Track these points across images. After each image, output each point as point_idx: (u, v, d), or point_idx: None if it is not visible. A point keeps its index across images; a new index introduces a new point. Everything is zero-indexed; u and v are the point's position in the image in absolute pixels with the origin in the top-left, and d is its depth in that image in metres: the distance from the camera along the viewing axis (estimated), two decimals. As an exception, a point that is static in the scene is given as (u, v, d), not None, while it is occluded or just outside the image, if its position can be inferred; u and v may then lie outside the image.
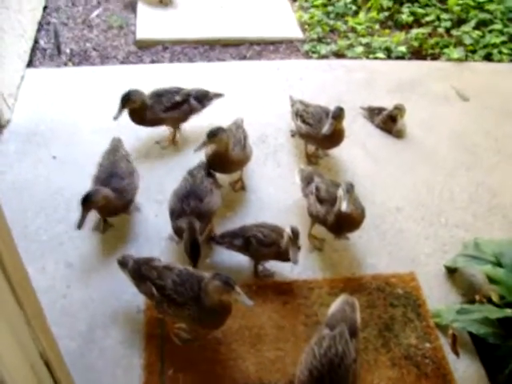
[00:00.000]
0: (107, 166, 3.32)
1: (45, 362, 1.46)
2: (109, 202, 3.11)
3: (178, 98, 3.80)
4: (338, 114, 3.47)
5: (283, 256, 2.98)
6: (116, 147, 3.48)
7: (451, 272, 3.27)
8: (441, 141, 4.15)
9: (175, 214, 3.08)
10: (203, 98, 3.89)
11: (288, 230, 2.90)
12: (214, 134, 3.24)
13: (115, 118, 3.54)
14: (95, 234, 3.32)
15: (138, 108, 3.66)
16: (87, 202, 3.01)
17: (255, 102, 4.31)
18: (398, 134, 4.13)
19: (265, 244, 3.02)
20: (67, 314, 2.93)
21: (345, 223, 3.10)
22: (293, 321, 2.97)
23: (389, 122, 4.11)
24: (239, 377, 2.75)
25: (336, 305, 2.74)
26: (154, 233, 3.35)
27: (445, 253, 3.36)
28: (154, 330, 2.88)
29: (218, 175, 3.47)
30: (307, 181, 3.37)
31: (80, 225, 3.02)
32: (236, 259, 3.22)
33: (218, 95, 3.97)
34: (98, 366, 2.76)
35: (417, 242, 3.43)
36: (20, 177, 3.61)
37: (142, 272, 2.77)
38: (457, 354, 2.91)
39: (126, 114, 3.65)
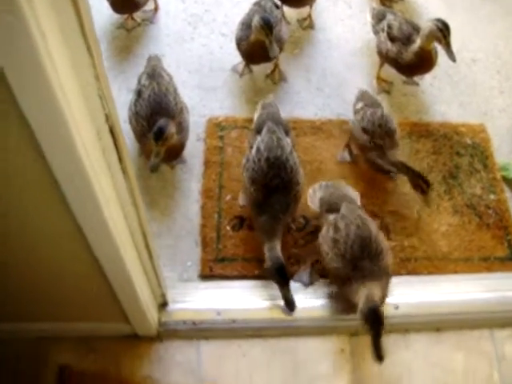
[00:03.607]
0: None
1: (110, 129, 1.42)
2: None
3: None
4: None
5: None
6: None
7: (524, 128, 3.11)
8: (527, -5, 3.81)
9: (242, 42, 2.94)
10: None
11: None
12: None
13: None
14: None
15: None
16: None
17: None
18: (480, -16, 3.81)
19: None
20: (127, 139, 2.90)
21: (423, 62, 2.89)
22: (355, 158, 2.89)
23: (471, -30, 3.79)
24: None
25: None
26: (218, 64, 3.24)
27: (519, 108, 3.19)
28: (214, 157, 2.86)
29: (286, 13, 3.31)
30: (378, 18, 3.12)
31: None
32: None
33: None
34: (157, 188, 2.77)
35: (490, 95, 3.24)
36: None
37: (262, 126, 2.57)
38: (522, 206, 2.80)
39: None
